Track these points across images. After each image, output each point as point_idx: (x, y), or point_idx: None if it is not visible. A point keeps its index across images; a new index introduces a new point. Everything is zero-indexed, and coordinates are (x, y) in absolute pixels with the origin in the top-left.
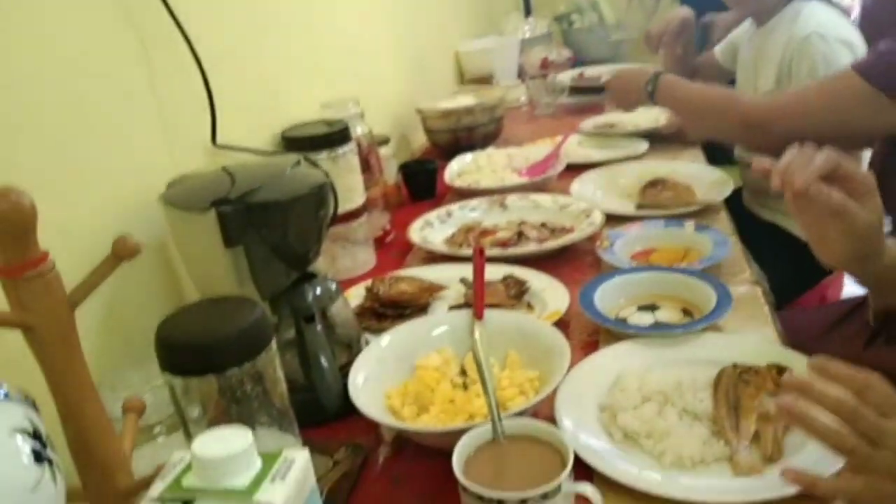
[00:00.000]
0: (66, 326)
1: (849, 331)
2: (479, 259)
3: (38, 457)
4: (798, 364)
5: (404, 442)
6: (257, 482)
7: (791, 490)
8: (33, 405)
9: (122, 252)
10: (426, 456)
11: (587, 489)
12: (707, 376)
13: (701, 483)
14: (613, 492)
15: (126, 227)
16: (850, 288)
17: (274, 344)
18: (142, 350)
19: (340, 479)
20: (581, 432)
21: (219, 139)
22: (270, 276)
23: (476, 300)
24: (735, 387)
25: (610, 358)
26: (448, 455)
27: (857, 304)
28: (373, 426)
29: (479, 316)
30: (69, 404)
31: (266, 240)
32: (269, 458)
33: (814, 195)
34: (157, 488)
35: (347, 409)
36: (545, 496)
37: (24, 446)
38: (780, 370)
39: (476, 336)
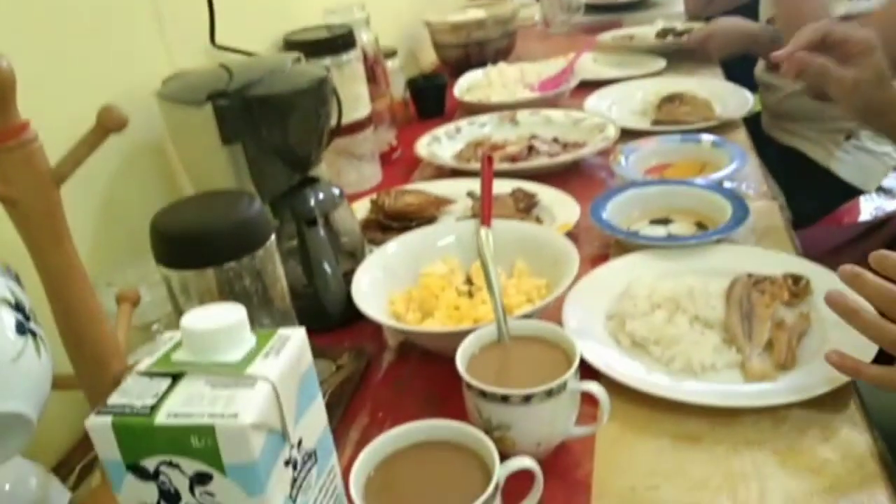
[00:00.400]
0: (51, 202)
1: (867, 248)
2: (488, 168)
3: (21, 328)
4: (815, 275)
5: (409, 348)
6: (250, 357)
7: (804, 395)
8: (16, 279)
9: (107, 122)
10: (430, 361)
11: (593, 387)
12: (720, 286)
13: (710, 387)
14: (620, 397)
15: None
16: (868, 213)
17: (273, 240)
18: (139, 249)
19: (343, 383)
20: (588, 339)
21: (218, 41)
22: (270, 177)
23: (483, 208)
24: (749, 295)
25: (620, 268)
26: (452, 361)
27: (877, 224)
28: (377, 333)
29: (486, 224)
30: (57, 285)
31: (265, 137)
32: (263, 336)
33: (797, 63)
34: (144, 363)
35: (351, 315)
36: (550, 393)
37: (6, 317)
38: (797, 280)
39: (482, 235)
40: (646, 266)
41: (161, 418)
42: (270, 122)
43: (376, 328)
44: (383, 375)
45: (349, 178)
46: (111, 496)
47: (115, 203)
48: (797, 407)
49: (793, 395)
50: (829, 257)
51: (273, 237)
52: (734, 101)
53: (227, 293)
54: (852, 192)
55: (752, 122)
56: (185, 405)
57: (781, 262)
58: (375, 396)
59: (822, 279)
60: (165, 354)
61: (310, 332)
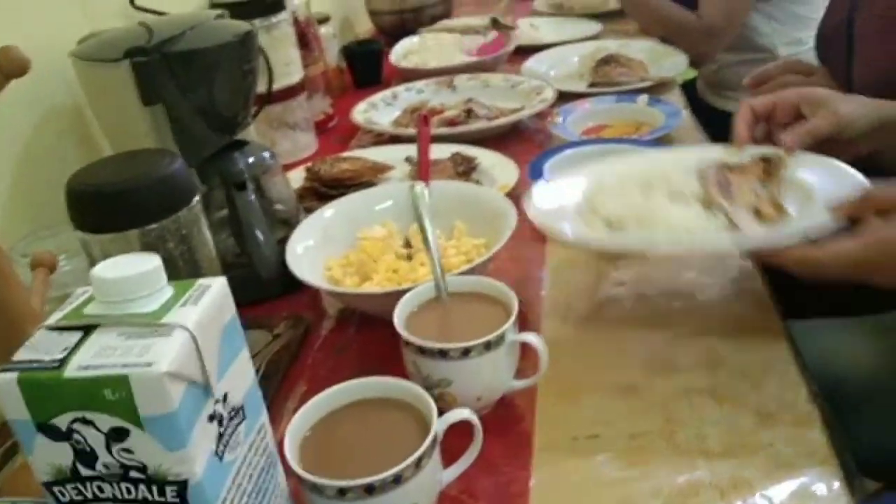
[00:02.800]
0: None
1: None
2: (424, 127)
3: None
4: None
5: (348, 315)
6: (167, 307)
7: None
8: None
9: (5, 66)
10: (370, 327)
11: (531, 338)
12: (693, 167)
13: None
14: (559, 351)
15: (36, 87)
16: None
17: (198, 200)
18: (56, 219)
19: (280, 352)
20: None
21: (139, 2)
22: (196, 140)
23: (421, 167)
24: (723, 174)
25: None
26: (392, 325)
27: None
28: (315, 301)
29: (423, 179)
30: None
31: (188, 96)
32: (181, 286)
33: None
34: (54, 317)
35: (288, 285)
36: (488, 346)
37: None
38: (767, 160)
39: (417, 189)
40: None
41: (71, 371)
42: (193, 79)
43: (314, 297)
44: (322, 343)
45: (283, 148)
46: (33, 477)
47: (30, 171)
48: (732, 354)
49: (784, 240)
50: None
51: (198, 198)
52: (668, 62)
53: None
54: None
55: (688, 89)
56: (96, 357)
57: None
58: (314, 364)
59: (794, 157)
60: (76, 308)
61: (245, 304)
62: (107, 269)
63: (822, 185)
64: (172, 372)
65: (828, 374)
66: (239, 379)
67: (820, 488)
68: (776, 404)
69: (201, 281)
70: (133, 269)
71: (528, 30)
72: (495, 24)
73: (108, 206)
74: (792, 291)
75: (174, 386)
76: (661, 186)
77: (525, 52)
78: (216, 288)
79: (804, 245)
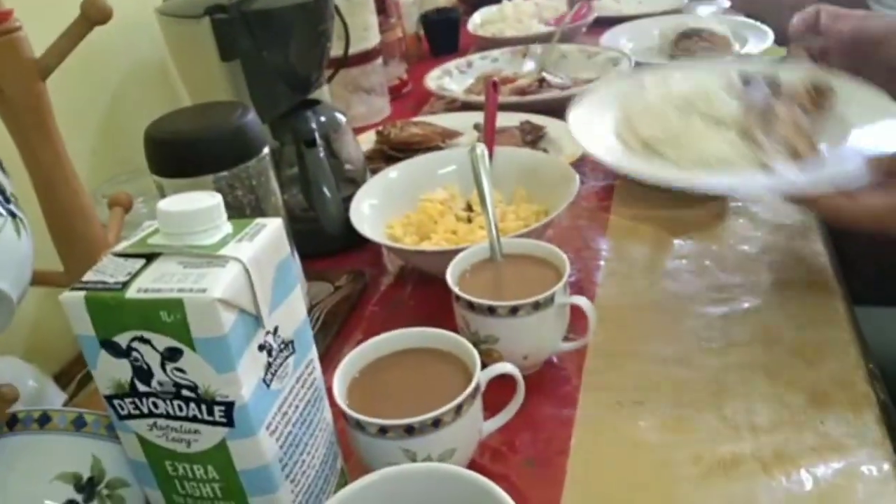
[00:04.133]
0: (36, 94)
1: None
2: (493, 93)
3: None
4: (840, 85)
5: (407, 273)
6: (224, 241)
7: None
8: None
9: (91, 13)
10: (427, 285)
11: (581, 301)
12: (738, 88)
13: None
14: (610, 315)
15: (124, 40)
16: None
17: (267, 152)
18: (136, 165)
19: (340, 303)
20: (595, 142)
21: None
22: (270, 97)
23: (487, 133)
24: (770, 100)
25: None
26: (447, 283)
27: None
28: (376, 258)
29: (489, 147)
30: (46, 181)
31: (264, 54)
32: (239, 224)
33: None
34: (121, 245)
35: (351, 241)
36: (537, 305)
37: None
38: (819, 89)
39: (477, 150)
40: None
41: (132, 293)
42: (268, 37)
43: (376, 254)
44: (379, 297)
45: (358, 111)
46: (100, 400)
47: (115, 119)
48: (790, 332)
49: (816, 186)
50: None
51: (267, 149)
52: (754, 37)
53: None
54: None
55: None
56: (156, 282)
57: (803, 73)
58: (371, 317)
59: (849, 91)
60: (142, 238)
61: (310, 257)
62: (172, 204)
63: (864, 127)
64: (224, 299)
65: (889, 361)
66: (290, 315)
67: (868, 469)
68: (831, 384)
69: (259, 220)
70: (196, 205)
71: (609, 2)
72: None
73: (183, 152)
74: (851, 279)
75: (225, 312)
76: (701, 108)
77: (605, 24)
78: (272, 227)
79: (836, 195)
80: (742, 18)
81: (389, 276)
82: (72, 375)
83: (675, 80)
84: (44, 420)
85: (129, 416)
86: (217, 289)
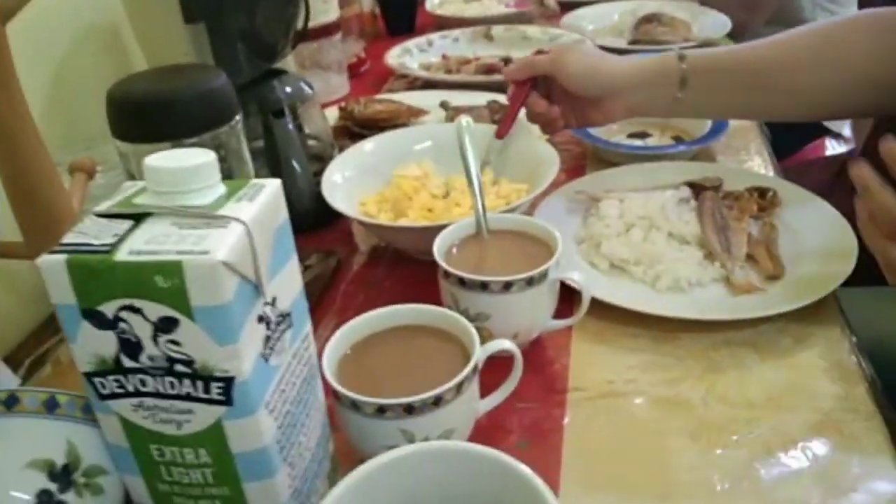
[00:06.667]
0: None
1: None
2: (524, 90)
3: None
4: (780, 186)
5: (380, 251)
6: (221, 202)
7: (799, 303)
8: None
9: None
10: (402, 264)
11: (575, 276)
12: (690, 202)
13: (702, 302)
14: (604, 318)
15: (73, 3)
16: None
17: (239, 119)
18: (92, 133)
19: (311, 283)
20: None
21: None
22: (235, 64)
23: (503, 121)
24: (720, 210)
25: (585, 186)
26: (424, 263)
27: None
28: (348, 236)
29: (498, 134)
30: (4, 138)
31: (230, 18)
32: (233, 185)
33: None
34: (104, 205)
35: (321, 217)
36: (530, 281)
37: None
38: (762, 193)
39: (462, 122)
40: (613, 183)
41: (122, 255)
42: (236, 0)
43: (347, 232)
44: (353, 278)
45: (315, 88)
46: (62, 383)
47: (65, 87)
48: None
49: (786, 305)
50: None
51: (239, 116)
52: (713, 23)
53: None
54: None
55: None
56: (149, 243)
57: (747, 177)
58: (344, 297)
59: (787, 192)
60: (127, 198)
61: None
62: (161, 160)
63: (810, 227)
64: (229, 262)
65: (870, 341)
66: (288, 285)
67: (863, 443)
68: (819, 360)
69: (255, 180)
70: (190, 161)
71: None
72: (540, 3)
73: (150, 116)
74: None
75: (229, 278)
76: (661, 226)
77: (565, 6)
78: (271, 188)
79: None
80: (701, 6)
81: (362, 255)
82: (19, 360)
83: (630, 197)
84: (11, 402)
85: (112, 396)
86: (221, 250)
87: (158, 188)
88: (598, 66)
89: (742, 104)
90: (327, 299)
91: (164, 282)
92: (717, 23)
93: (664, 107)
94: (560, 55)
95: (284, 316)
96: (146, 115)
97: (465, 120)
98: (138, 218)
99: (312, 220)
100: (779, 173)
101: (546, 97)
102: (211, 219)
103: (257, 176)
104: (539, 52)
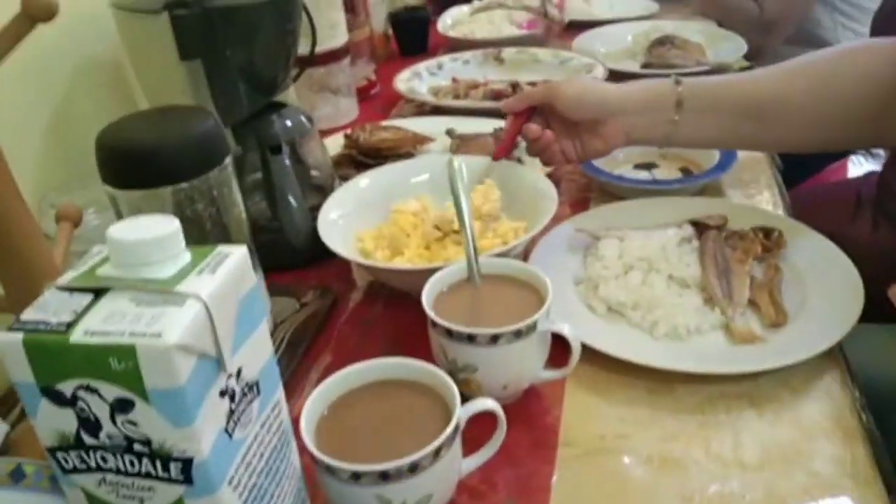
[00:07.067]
0: None
1: (851, 207)
2: (522, 118)
3: None
4: (785, 226)
5: (378, 288)
6: (182, 274)
7: (799, 356)
8: None
9: (32, 9)
10: (399, 303)
11: (564, 329)
12: (692, 241)
13: (701, 352)
14: (600, 366)
15: (75, 36)
16: (855, 170)
17: (230, 161)
18: (88, 171)
19: (306, 321)
20: (558, 310)
21: None
22: (233, 100)
23: (502, 144)
24: (722, 251)
25: (586, 223)
26: (421, 303)
27: (861, 180)
28: (345, 272)
29: (495, 156)
30: None
31: (227, 54)
32: (199, 253)
33: None
34: (66, 277)
35: (318, 253)
36: (518, 334)
37: None
38: (767, 233)
39: (454, 164)
40: (615, 219)
41: (77, 336)
42: (232, 36)
43: (345, 267)
44: (349, 316)
45: (323, 112)
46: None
47: (64, 122)
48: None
49: (787, 358)
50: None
51: (230, 158)
52: (727, 46)
53: (177, 218)
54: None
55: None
56: (105, 323)
57: (754, 215)
58: (340, 337)
59: (794, 232)
60: (91, 268)
61: (274, 270)
62: (123, 231)
63: (816, 270)
64: (182, 344)
65: (871, 378)
66: (256, 353)
67: None
68: (819, 416)
69: (221, 248)
70: (150, 233)
71: (580, 4)
72: (544, 15)
73: (138, 162)
74: None
75: (183, 359)
76: (661, 268)
77: (576, 27)
78: (236, 257)
79: None
80: (716, 27)
81: (359, 291)
82: (11, 403)
83: (631, 236)
84: None
85: (75, 471)
86: (174, 332)
87: (120, 260)
88: (592, 89)
89: (739, 132)
90: (322, 339)
91: (119, 364)
92: (731, 47)
93: (661, 131)
94: (555, 84)
95: (251, 386)
96: (133, 162)
97: (456, 161)
98: (99, 291)
99: (310, 255)
100: (788, 209)
101: (544, 127)
102: (169, 295)
103: (256, 209)
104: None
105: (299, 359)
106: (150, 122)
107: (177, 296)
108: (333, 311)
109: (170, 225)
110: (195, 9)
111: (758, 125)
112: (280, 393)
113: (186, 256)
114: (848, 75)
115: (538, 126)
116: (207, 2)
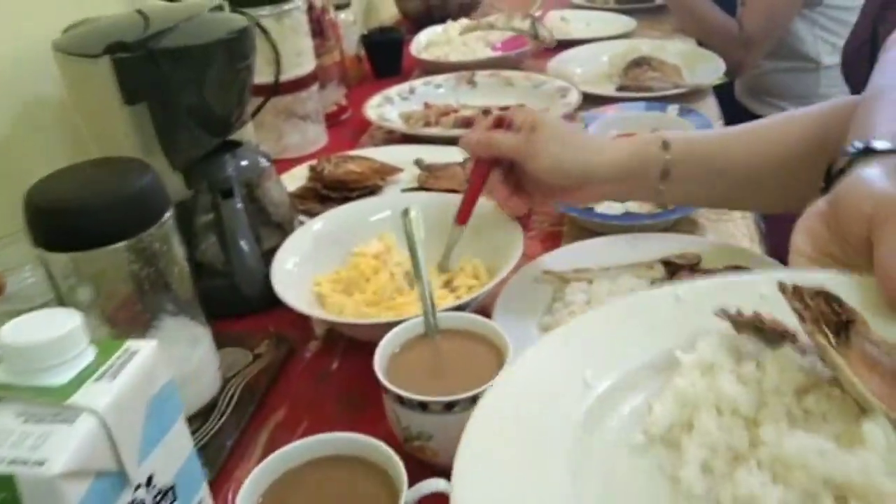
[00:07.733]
0: None
1: None
2: (485, 168)
3: None
4: (760, 266)
5: (336, 337)
6: (80, 380)
7: None
8: None
9: None
10: (358, 352)
11: None
12: (664, 280)
13: None
14: None
15: (18, 76)
16: None
17: (170, 216)
18: None
19: (259, 374)
20: None
21: None
22: (183, 142)
23: (463, 205)
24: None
25: (558, 259)
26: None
27: None
28: (302, 319)
29: (459, 220)
30: None
31: (175, 96)
32: (105, 349)
33: None
34: None
35: (273, 300)
36: (475, 400)
37: None
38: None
39: (411, 215)
40: (585, 259)
41: None
42: (182, 78)
43: (300, 315)
44: (305, 366)
45: (291, 140)
46: None
47: (7, 169)
48: None
49: None
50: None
51: (170, 213)
52: (705, 67)
53: (112, 279)
54: None
55: (725, 90)
56: None
57: (727, 254)
58: (295, 391)
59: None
60: None
61: (226, 318)
62: (16, 332)
63: None
64: (68, 472)
65: None
66: (171, 454)
67: None
68: None
69: (130, 344)
70: (46, 334)
71: (557, 23)
72: (534, 36)
73: (68, 223)
74: None
75: (72, 486)
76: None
77: (554, 47)
78: (143, 355)
79: None
80: (694, 47)
81: (316, 340)
82: None
83: (599, 279)
84: None
85: None
86: (59, 460)
87: (13, 366)
88: (573, 158)
89: (730, 199)
90: (276, 393)
91: None
92: (709, 67)
93: (644, 197)
94: (528, 143)
95: (165, 492)
96: (60, 223)
97: (412, 212)
98: None
99: (265, 301)
100: (763, 244)
101: (509, 171)
102: (60, 409)
103: (210, 252)
104: (499, 120)
105: (249, 417)
106: (82, 177)
107: (69, 410)
108: (289, 361)
109: (69, 322)
110: (139, 51)
111: (752, 192)
112: (202, 492)
113: (89, 355)
114: (780, 141)
115: (506, 189)
116: (152, 43)
